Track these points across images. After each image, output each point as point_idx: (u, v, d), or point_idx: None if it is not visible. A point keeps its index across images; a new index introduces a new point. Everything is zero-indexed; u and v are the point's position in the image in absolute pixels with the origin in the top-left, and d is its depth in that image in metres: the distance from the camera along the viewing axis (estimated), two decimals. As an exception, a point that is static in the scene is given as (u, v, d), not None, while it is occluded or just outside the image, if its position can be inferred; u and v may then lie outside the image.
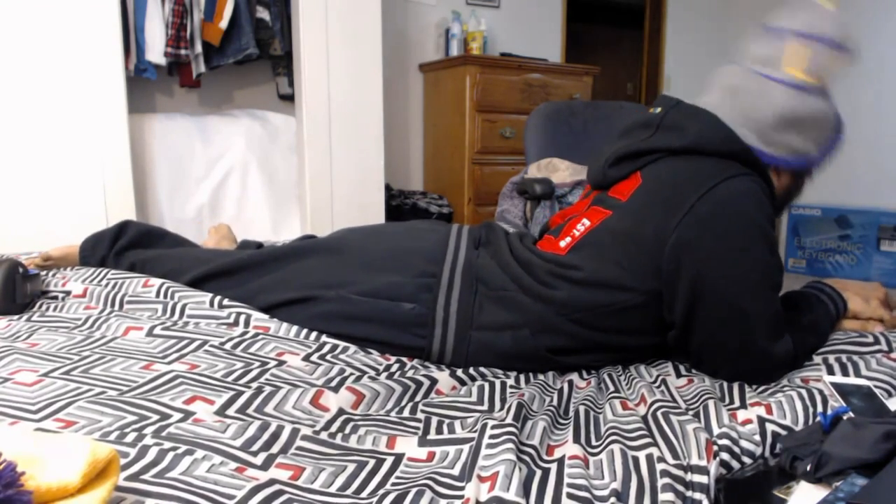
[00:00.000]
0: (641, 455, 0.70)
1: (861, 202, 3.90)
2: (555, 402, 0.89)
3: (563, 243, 1.06)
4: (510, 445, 0.69)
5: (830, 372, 0.93)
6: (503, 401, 0.91)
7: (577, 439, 0.77)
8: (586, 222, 1.05)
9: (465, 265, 1.07)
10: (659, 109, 1.06)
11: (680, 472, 0.66)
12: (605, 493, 0.65)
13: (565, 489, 0.65)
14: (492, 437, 0.71)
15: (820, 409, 0.82)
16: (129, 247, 1.38)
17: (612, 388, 0.97)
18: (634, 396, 0.91)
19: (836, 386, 0.84)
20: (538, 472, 0.69)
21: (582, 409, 0.87)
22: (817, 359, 0.99)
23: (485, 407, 0.89)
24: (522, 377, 1.01)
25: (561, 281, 1.00)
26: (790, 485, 0.66)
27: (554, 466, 0.70)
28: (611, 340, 1.02)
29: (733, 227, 0.93)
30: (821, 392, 0.85)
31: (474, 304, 1.04)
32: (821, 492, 0.63)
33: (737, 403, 0.87)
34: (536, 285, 1.01)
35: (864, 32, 3.88)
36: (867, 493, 0.58)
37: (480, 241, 1.14)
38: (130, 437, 0.68)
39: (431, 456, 0.72)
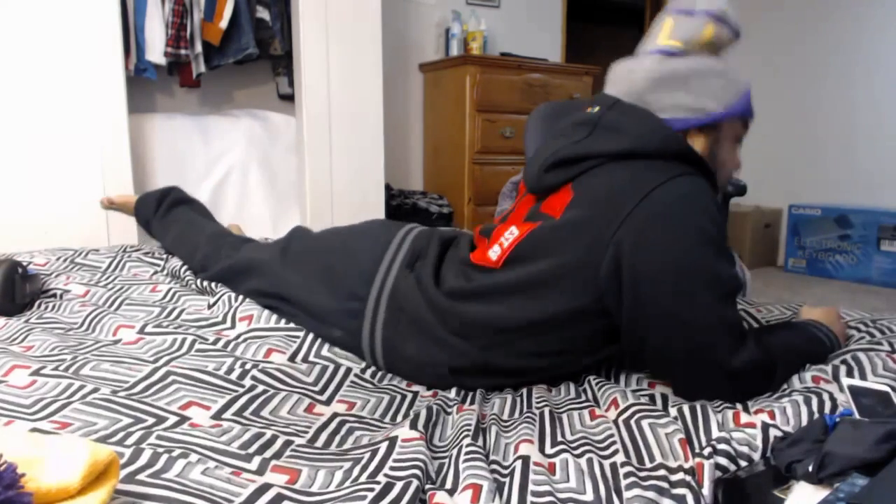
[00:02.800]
0: (607, 463, 0.71)
1: (861, 202, 3.89)
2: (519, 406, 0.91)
3: (493, 254, 0.98)
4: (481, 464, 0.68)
5: (835, 372, 0.90)
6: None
7: (541, 447, 0.76)
8: (515, 231, 0.98)
9: (392, 291, 1.02)
10: (597, 108, 1.00)
11: (651, 474, 0.68)
12: (565, 495, 0.65)
13: (529, 497, 0.64)
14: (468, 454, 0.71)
15: (827, 413, 0.80)
16: (176, 203, 1.56)
17: (582, 397, 0.96)
18: (605, 402, 0.90)
19: (851, 387, 0.82)
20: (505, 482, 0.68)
21: (546, 410, 0.87)
22: None
23: (459, 399, 0.93)
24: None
25: (477, 305, 0.95)
26: (790, 485, 0.66)
27: (518, 465, 0.69)
28: (535, 364, 0.97)
29: (671, 233, 0.87)
30: (831, 395, 0.82)
31: (397, 336, 1.00)
32: (821, 492, 0.62)
33: (739, 407, 0.86)
34: (443, 326, 0.97)
35: (863, 32, 3.88)
36: (867, 493, 0.58)
37: (419, 255, 1.07)
38: (126, 440, 0.68)
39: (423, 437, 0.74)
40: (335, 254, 1.11)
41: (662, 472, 0.68)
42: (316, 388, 0.91)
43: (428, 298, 0.99)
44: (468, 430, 0.76)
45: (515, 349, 0.95)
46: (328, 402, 0.89)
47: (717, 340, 0.87)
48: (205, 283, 1.24)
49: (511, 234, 0.98)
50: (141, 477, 0.59)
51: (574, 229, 0.91)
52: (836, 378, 0.89)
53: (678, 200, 0.88)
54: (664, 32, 1.01)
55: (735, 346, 0.88)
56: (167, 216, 1.55)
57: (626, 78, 1.01)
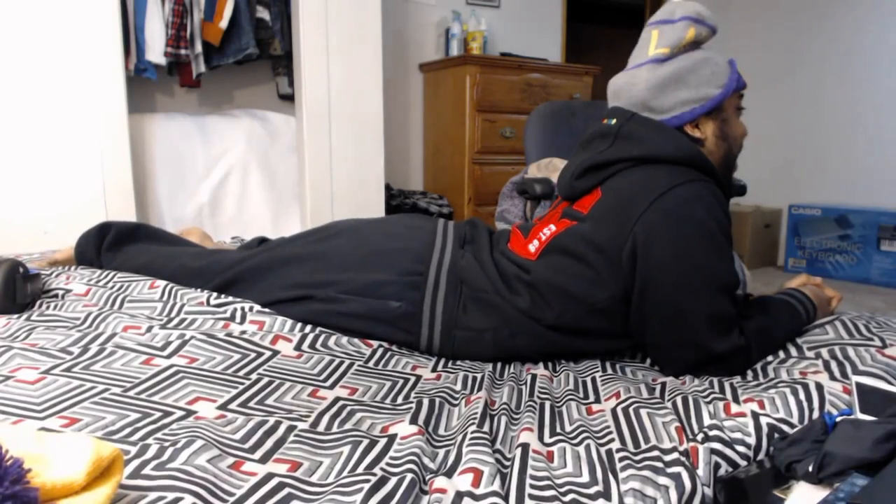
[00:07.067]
0: (604, 449, 0.73)
1: (861, 202, 3.90)
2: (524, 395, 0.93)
3: (532, 247, 1.11)
4: (486, 449, 0.70)
5: (827, 367, 0.93)
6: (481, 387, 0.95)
7: (540, 435, 0.78)
8: (552, 227, 1.11)
9: (451, 265, 1.12)
10: (614, 121, 1.13)
11: (646, 456, 0.70)
12: (562, 479, 0.66)
13: (528, 481, 0.65)
14: (472, 440, 0.72)
15: (816, 405, 0.82)
16: (119, 242, 1.41)
17: (580, 391, 0.97)
18: (606, 394, 0.93)
19: (859, 385, 0.81)
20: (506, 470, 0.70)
21: (547, 403, 0.89)
22: (811, 353, 1.00)
23: (467, 391, 0.94)
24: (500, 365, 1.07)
25: (524, 287, 1.06)
26: (789, 484, 0.66)
27: (518, 452, 0.70)
28: (584, 345, 1.08)
29: (679, 231, 0.98)
30: (818, 385, 0.84)
31: (458, 305, 1.09)
32: (820, 492, 0.63)
33: (729, 398, 0.89)
34: (506, 290, 1.07)
35: (864, 32, 3.88)
36: (867, 493, 0.58)
37: (465, 240, 1.19)
38: (133, 435, 0.69)
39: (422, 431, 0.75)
40: (381, 238, 1.18)
41: (656, 453, 0.70)
42: (320, 378, 0.93)
43: (488, 272, 1.09)
44: (475, 419, 0.77)
45: (551, 320, 1.05)
46: (331, 388, 0.90)
47: (705, 328, 0.99)
48: (213, 297, 1.18)
49: (549, 230, 1.11)
50: (147, 471, 0.60)
51: (601, 223, 1.04)
52: (827, 369, 0.92)
53: (686, 202, 1.00)
54: (652, 44, 1.13)
55: (721, 335, 0.99)
56: (118, 251, 1.39)
57: (627, 91, 1.13)
